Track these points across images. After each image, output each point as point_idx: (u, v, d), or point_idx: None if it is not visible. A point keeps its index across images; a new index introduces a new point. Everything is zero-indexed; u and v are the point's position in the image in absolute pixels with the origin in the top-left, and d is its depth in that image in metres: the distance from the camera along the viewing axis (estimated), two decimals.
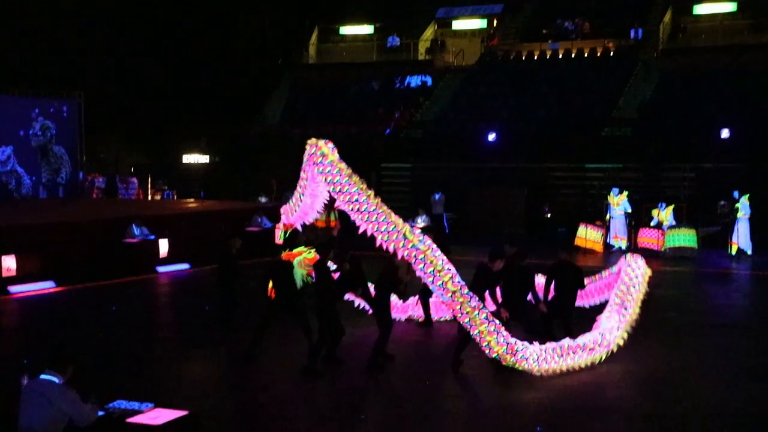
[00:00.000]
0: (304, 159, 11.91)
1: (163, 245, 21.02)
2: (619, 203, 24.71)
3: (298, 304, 11.50)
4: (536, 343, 11.03)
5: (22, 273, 17.83)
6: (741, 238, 23.18)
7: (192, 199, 33.01)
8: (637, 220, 25.50)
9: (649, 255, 23.24)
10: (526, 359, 10.80)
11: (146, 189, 36.63)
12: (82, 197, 33.07)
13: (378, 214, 10.95)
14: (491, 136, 32.33)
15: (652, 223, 24.52)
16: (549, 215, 28.93)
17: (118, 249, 20.23)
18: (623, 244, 24.69)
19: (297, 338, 12.32)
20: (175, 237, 21.28)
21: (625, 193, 25.02)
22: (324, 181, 11.41)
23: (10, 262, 17.71)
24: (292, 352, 12.04)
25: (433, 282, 10.76)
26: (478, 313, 10.65)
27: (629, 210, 25.03)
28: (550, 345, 11.12)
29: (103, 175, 36.54)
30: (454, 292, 10.63)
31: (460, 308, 10.64)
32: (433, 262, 10.70)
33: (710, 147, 28.74)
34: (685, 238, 23.49)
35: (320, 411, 9.97)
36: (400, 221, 11.05)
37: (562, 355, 11.11)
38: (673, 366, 11.81)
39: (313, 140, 11.86)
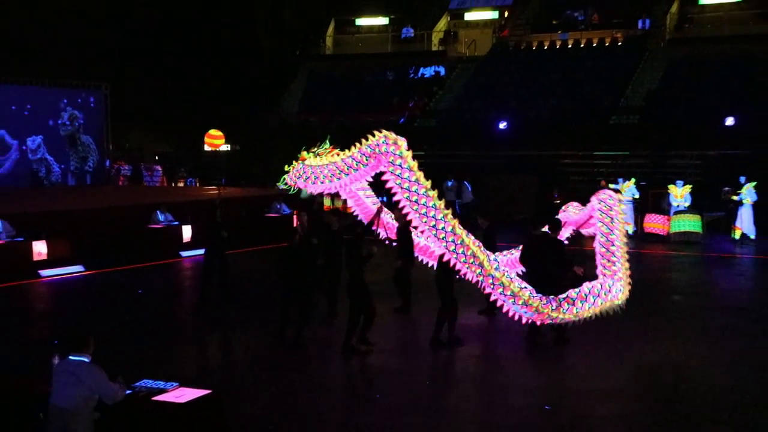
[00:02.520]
0: (371, 148, 11.54)
1: (186, 231, 21.13)
2: (625, 189, 24.56)
3: (307, 288, 11.66)
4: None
5: (52, 257, 17.98)
6: (744, 223, 23.02)
7: (214, 186, 33.12)
8: (644, 205, 25.35)
9: (656, 240, 23.29)
10: (560, 308, 11.16)
11: (170, 176, 36.76)
12: (109, 184, 33.26)
13: (442, 221, 11.02)
14: (502, 125, 32.22)
15: (669, 201, 24.20)
16: (558, 201, 28.80)
17: (143, 234, 20.34)
18: (630, 229, 24.55)
19: (319, 320, 12.46)
20: (198, 223, 21.37)
21: (633, 179, 24.88)
22: (394, 178, 11.18)
23: (40, 247, 17.87)
24: (315, 333, 12.09)
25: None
26: (511, 280, 10.99)
27: (637, 196, 24.88)
28: (562, 296, 11.32)
29: (128, 163, 36.71)
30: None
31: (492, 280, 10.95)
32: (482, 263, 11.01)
33: (715, 134, 28.54)
34: (691, 223, 23.36)
35: (338, 390, 10.00)
36: (458, 225, 11.11)
37: (575, 304, 11.31)
38: (678, 348, 11.77)
39: (390, 135, 11.58)
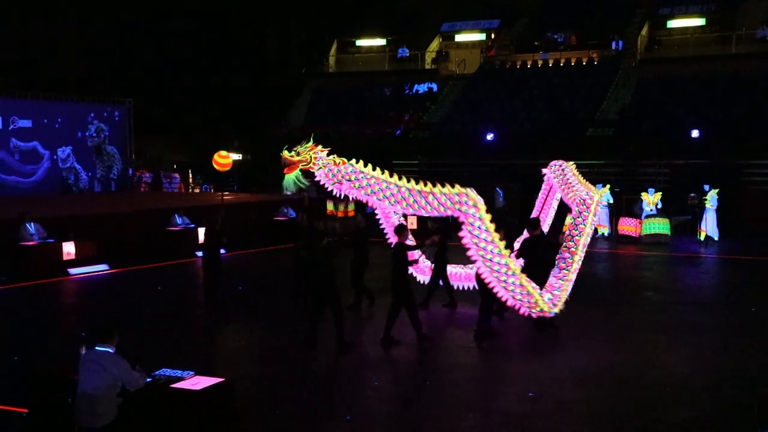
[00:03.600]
0: (452, 202, 11.14)
1: (202, 233, 21.10)
2: (601, 195, 24.57)
3: (336, 294, 10.94)
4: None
5: (80, 257, 17.99)
6: (709, 226, 23.05)
7: (227, 192, 33.11)
8: (618, 210, 25.39)
9: (629, 241, 23.30)
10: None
11: (187, 183, 36.70)
12: (132, 191, 33.23)
13: (512, 276, 11.20)
14: (489, 136, 32.23)
15: (642, 207, 24.24)
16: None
17: (162, 236, 20.33)
18: (605, 231, 24.65)
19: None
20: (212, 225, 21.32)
21: (608, 186, 24.89)
22: (471, 237, 11.07)
23: (70, 248, 17.88)
24: (326, 328, 12.10)
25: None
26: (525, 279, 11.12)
27: (611, 201, 24.93)
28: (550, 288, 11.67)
29: (149, 172, 36.66)
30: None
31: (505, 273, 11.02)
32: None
33: (682, 145, 28.57)
34: (660, 226, 23.41)
35: (342, 379, 9.98)
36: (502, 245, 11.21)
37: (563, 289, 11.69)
38: (649, 339, 11.78)
39: (471, 196, 11.21)
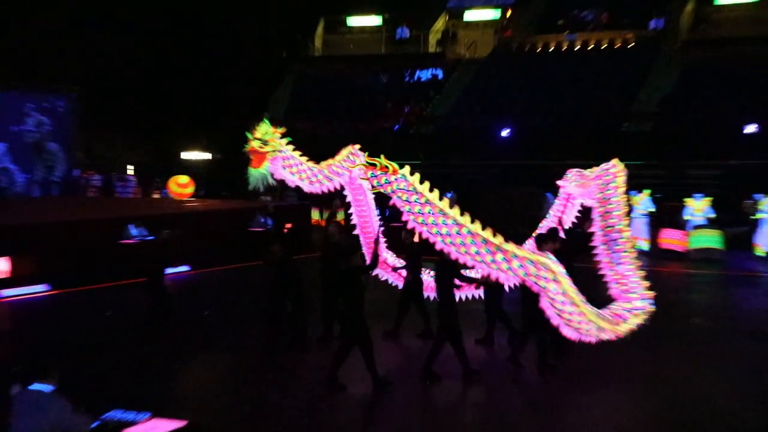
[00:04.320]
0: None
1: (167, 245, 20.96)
2: (639, 203, 24.55)
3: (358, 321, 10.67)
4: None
5: (15, 275, 17.82)
6: (764, 239, 23.06)
7: (192, 198, 32.99)
8: (659, 220, 25.36)
9: (673, 257, 23.24)
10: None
11: (144, 187, 36.67)
12: (78, 196, 33.13)
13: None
14: (505, 132, 32.26)
15: (685, 215, 24.26)
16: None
17: (115, 251, 20.20)
18: (645, 246, 24.55)
19: (309, 348, 12.37)
20: (175, 238, 21.20)
21: (647, 192, 24.86)
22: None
23: (2, 264, 17.71)
24: (303, 360, 11.96)
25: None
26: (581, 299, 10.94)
27: (652, 209, 24.87)
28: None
29: (99, 173, 36.62)
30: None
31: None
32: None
33: (736, 143, 28.62)
34: (710, 239, 23.36)
35: (319, 419, 9.89)
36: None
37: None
38: (698, 377, 11.65)
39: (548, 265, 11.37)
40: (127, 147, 43.04)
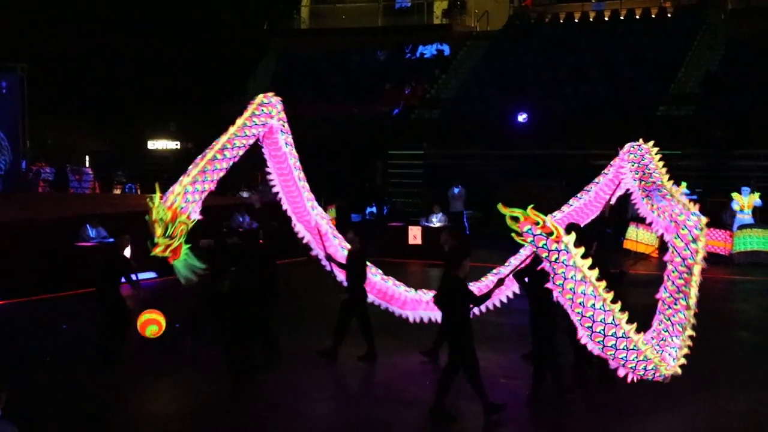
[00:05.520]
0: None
1: (125, 250, 21.03)
2: (751, 204, 24.51)
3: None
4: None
5: None
6: None
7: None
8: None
9: (716, 261, 23.28)
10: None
11: (104, 181, 36.71)
12: (26, 191, 33.13)
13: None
14: (522, 117, 32.32)
15: (733, 213, 24.27)
16: None
17: (69, 254, 20.25)
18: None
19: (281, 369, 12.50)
20: (140, 240, 21.27)
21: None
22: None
23: None
24: (274, 380, 12.06)
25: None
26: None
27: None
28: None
29: (51, 165, 36.63)
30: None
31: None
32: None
33: None
34: (759, 240, 23.43)
35: None
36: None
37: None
38: (742, 396, 11.73)
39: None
40: (83, 135, 43.06)
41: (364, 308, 13.50)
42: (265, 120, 13.02)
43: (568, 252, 10.28)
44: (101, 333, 13.69)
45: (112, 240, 20.93)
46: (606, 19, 37.46)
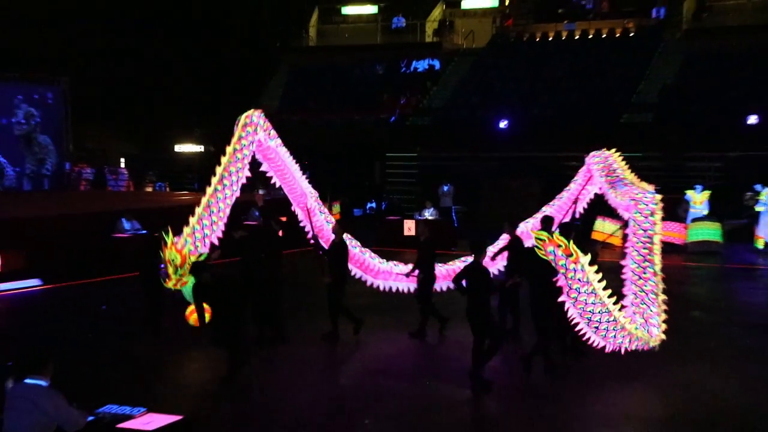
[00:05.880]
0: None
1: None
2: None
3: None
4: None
5: (6, 270, 17.88)
6: (765, 231, 23.14)
7: (185, 191, 33.05)
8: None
9: (671, 249, 23.30)
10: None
11: (137, 180, 36.69)
12: (69, 189, 33.13)
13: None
14: (503, 124, 32.30)
15: (687, 208, 24.27)
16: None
17: (107, 245, 20.27)
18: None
19: (301, 342, 12.47)
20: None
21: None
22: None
23: None
24: (294, 354, 12.07)
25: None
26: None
27: None
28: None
29: (91, 166, 36.60)
30: None
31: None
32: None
33: (737, 134, 28.67)
34: (710, 231, 23.47)
35: (317, 416, 9.98)
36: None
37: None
38: (698, 370, 11.77)
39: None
40: (119, 140, 43.04)
41: (341, 292, 13.26)
42: (251, 139, 13.03)
43: (583, 270, 10.68)
44: (148, 312, 13.71)
45: (144, 232, 20.99)
46: (577, 37, 37.40)
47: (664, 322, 12.00)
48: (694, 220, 23.86)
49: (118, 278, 18.85)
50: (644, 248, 12.16)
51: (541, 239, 10.74)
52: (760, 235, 23.28)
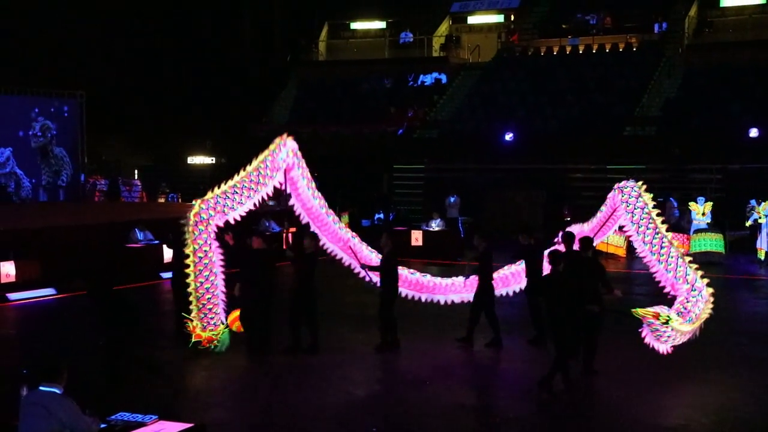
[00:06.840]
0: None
1: (168, 251, 21.05)
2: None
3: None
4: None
5: (21, 279, 17.91)
6: (766, 243, 23.05)
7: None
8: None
9: None
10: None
11: (150, 191, 36.75)
12: (84, 200, 33.24)
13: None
14: (508, 136, 32.29)
15: (690, 219, 24.21)
16: (569, 218, 28.84)
17: (120, 254, 20.30)
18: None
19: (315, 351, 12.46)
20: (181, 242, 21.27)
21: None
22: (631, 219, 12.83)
23: (9, 268, 17.80)
24: (304, 361, 12.05)
25: None
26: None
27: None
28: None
29: (105, 178, 36.70)
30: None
31: None
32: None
33: (738, 147, 28.61)
34: (712, 242, 23.39)
35: (326, 423, 9.96)
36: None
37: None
38: (696, 378, 11.72)
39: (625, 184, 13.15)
40: (131, 151, 43.13)
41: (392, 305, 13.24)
42: (282, 157, 13.13)
43: (674, 330, 11.75)
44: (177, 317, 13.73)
45: (157, 242, 21.02)
46: (580, 52, 37.39)
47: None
48: (697, 231, 23.80)
49: (132, 287, 18.84)
50: (648, 226, 12.63)
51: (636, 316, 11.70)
52: (761, 246, 23.18)
